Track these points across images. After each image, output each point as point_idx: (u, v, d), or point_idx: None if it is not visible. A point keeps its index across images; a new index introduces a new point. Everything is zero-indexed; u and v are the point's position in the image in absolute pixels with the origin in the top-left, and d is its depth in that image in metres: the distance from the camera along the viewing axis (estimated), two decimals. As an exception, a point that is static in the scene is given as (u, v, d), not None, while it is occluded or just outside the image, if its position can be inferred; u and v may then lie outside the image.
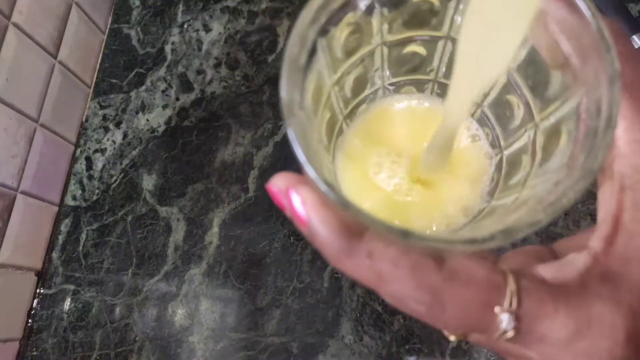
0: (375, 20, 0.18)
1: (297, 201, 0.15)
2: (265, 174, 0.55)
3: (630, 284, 0.15)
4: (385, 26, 0.19)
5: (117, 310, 0.53)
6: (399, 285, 0.15)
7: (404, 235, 0.13)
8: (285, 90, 0.15)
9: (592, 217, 0.47)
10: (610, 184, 0.15)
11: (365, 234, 0.15)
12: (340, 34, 0.17)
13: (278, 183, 0.16)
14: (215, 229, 0.54)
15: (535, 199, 0.16)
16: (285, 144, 0.56)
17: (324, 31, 0.16)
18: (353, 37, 0.18)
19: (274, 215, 0.54)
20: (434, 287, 0.14)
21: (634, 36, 0.50)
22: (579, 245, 0.17)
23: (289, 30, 0.61)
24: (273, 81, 0.59)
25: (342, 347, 0.48)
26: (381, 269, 0.14)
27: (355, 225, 0.15)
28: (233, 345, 0.50)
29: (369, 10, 0.18)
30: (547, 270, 0.15)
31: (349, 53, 0.19)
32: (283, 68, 0.15)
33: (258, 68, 0.60)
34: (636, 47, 0.50)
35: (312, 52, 0.16)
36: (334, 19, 0.17)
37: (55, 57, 0.58)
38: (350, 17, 0.17)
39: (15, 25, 0.52)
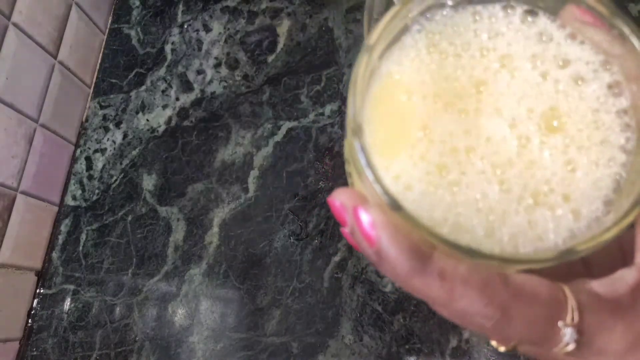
0: None
1: (367, 221, 0.15)
2: (265, 174, 0.55)
3: None
4: None
5: (117, 310, 0.53)
6: (469, 302, 0.15)
7: (471, 254, 0.14)
8: (352, 107, 0.16)
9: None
10: None
11: (434, 254, 0.15)
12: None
13: (342, 198, 0.16)
14: (215, 229, 0.54)
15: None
16: (285, 143, 0.56)
17: (381, 56, 0.18)
18: None
19: (274, 215, 0.54)
20: (502, 303, 0.15)
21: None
22: (607, 251, 0.17)
23: (289, 30, 0.61)
24: (273, 81, 0.59)
25: (342, 347, 0.48)
26: (452, 288, 0.15)
27: (424, 244, 0.15)
28: (233, 345, 0.50)
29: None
30: (600, 286, 0.16)
31: None
32: (352, 90, 0.16)
33: (258, 68, 0.60)
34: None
35: (371, 74, 0.18)
36: (391, 44, 0.18)
37: (55, 57, 0.58)
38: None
39: (15, 25, 0.52)
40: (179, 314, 0.52)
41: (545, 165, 0.17)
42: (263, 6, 0.62)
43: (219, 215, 0.55)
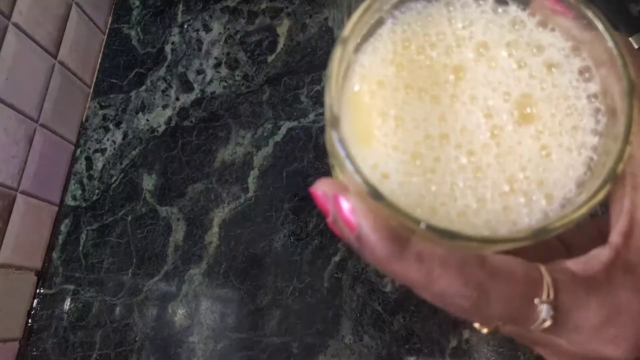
0: None
1: (347, 208, 0.16)
2: (265, 174, 0.55)
3: None
4: None
5: (117, 310, 0.53)
6: (448, 283, 0.16)
7: (449, 236, 0.15)
8: (329, 99, 0.16)
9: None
10: (622, 184, 0.17)
11: (412, 238, 0.16)
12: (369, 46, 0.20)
13: (324, 188, 0.17)
14: (215, 229, 0.54)
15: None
16: (285, 143, 0.56)
17: (357, 49, 0.19)
18: None
19: (274, 215, 0.54)
20: (480, 283, 0.16)
21: (632, 37, 0.50)
22: (587, 235, 0.18)
23: (289, 30, 0.61)
24: (273, 81, 0.59)
25: (342, 347, 0.48)
26: (430, 270, 0.16)
27: (402, 230, 0.16)
28: (233, 345, 0.50)
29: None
30: (575, 264, 0.17)
31: None
32: (328, 83, 0.16)
33: (258, 68, 0.60)
34: (635, 47, 0.50)
35: (347, 67, 0.18)
36: (366, 36, 0.19)
37: (55, 57, 0.58)
38: (380, 30, 0.19)
39: (15, 25, 0.52)
40: (179, 314, 0.52)
41: (521, 152, 0.17)
42: (263, 6, 0.62)
43: (219, 215, 0.55)
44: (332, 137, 0.16)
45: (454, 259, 0.16)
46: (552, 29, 0.19)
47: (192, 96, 0.60)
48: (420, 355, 0.47)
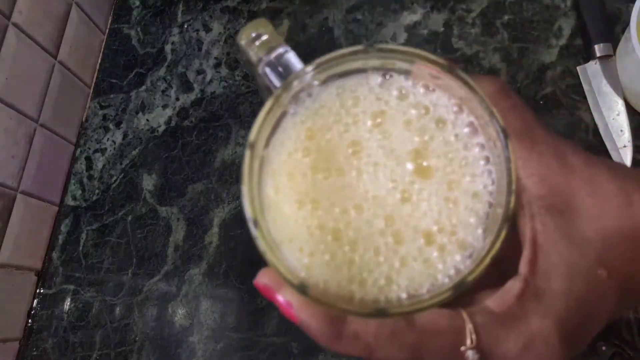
0: None
1: (284, 303, 0.18)
2: (265, 174, 0.55)
3: (553, 296, 0.18)
4: None
5: (117, 310, 0.53)
6: (385, 352, 0.18)
7: (377, 316, 0.17)
8: (248, 207, 0.18)
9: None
10: (522, 214, 0.19)
11: (347, 318, 0.18)
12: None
13: (264, 280, 0.19)
14: (215, 229, 0.54)
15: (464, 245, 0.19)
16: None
17: (267, 144, 0.20)
18: None
19: (274, 215, 0.54)
20: (412, 345, 0.18)
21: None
22: (510, 246, 0.20)
23: (289, 31, 0.61)
24: (273, 81, 0.59)
25: (342, 347, 0.48)
26: (367, 344, 0.18)
27: (336, 315, 0.18)
28: (233, 345, 0.50)
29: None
30: (492, 302, 0.19)
31: None
32: (243, 185, 0.18)
33: (258, 68, 0.60)
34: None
35: (261, 163, 0.20)
36: (272, 132, 0.20)
37: (55, 57, 0.58)
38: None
39: (15, 25, 0.52)
40: (179, 314, 0.52)
41: (430, 206, 0.19)
42: (263, 6, 0.62)
43: (219, 215, 0.55)
44: (255, 238, 0.17)
45: (385, 330, 0.18)
46: (433, 90, 0.20)
47: (192, 96, 0.60)
48: (420, 355, 0.47)
